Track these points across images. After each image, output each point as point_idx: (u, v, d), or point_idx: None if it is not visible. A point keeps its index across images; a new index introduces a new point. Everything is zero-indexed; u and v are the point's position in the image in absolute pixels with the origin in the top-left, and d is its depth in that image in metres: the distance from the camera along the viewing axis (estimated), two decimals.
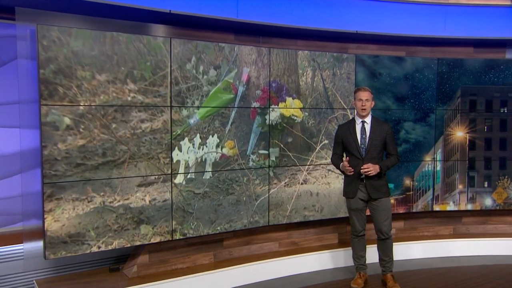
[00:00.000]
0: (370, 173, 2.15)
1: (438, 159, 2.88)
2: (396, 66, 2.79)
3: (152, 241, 2.17)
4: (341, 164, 2.23)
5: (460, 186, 2.91)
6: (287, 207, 2.58)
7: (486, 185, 2.92)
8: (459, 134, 2.89)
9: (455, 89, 2.88)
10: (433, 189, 2.90)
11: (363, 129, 2.23)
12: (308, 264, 2.58)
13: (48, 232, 1.93)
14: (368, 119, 2.25)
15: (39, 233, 2.00)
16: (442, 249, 2.85)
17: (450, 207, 2.90)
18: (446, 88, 2.86)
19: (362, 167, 2.15)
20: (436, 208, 2.91)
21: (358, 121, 2.25)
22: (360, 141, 2.22)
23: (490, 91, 2.89)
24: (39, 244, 2.02)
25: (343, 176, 2.37)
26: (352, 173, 2.18)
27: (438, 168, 2.88)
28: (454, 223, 3.00)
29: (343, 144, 2.27)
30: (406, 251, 2.79)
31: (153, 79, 2.11)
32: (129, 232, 2.10)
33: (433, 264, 2.72)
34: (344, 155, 2.32)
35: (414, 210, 2.89)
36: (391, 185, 2.72)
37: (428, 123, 2.87)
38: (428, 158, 2.88)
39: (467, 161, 2.90)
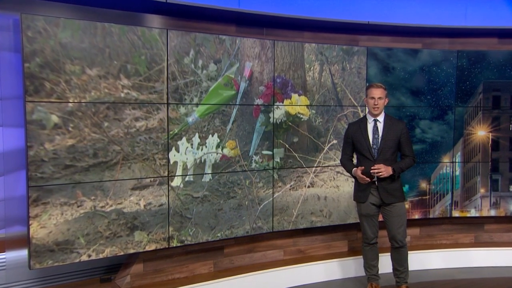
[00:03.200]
0: (381, 175, 2.07)
1: (457, 162, 2.79)
2: (411, 59, 2.72)
3: (147, 248, 2.12)
4: (353, 170, 2.16)
5: (482, 190, 2.81)
6: (292, 212, 2.52)
7: (511, 189, 2.79)
8: (481, 133, 2.80)
9: (476, 84, 2.79)
10: (452, 194, 2.81)
11: (375, 128, 2.16)
12: (315, 274, 2.53)
13: (33, 239, 1.87)
14: (381, 118, 2.18)
15: (24, 241, 1.94)
16: (462, 259, 2.77)
17: (471, 213, 2.81)
18: (466, 84, 2.78)
19: (372, 167, 2.06)
20: (455, 214, 2.82)
21: (370, 120, 2.19)
22: (372, 141, 2.15)
23: None
24: (24, 252, 1.97)
25: (353, 179, 2.27)
26: (366, 183, 2.10)
27: (457, 172, 2.79)
28: (476, 231, 2.92)
29: (354, 144, 2.20)
30: (422, 261, 2.72)
31: (148, 74, 2.07)
32: (122, 239, 2.05)
33: (453, 275, 2.64)
34: (355, 156, 2.22)
35: (431, 216, 2.81)
36: (405, 187, 2.62)
37: (447, 122, 2.78)
38: (446, 160, 2.80)
39: (490, 163, 2.81)
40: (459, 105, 2.77)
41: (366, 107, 2.24)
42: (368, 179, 2.07)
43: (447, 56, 2.73)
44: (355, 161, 2.26)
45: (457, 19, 2.77)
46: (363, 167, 2.10)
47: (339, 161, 2.38)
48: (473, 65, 2.75)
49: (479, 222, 2.89)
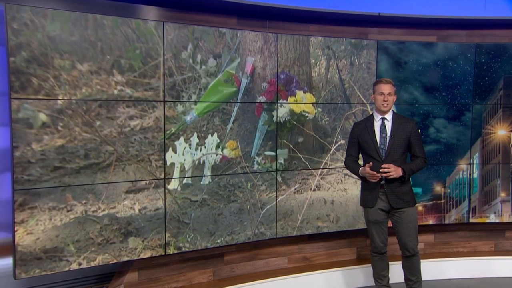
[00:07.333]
0: (390, 176, 1.99)
1: (475, 163, 2.71)
2: (425, 54, 2.65)
3: (142, 256, 2.07)
4: (360, 170, 2.09)
5: (503, 194, 2.72)
6: (297, 217, 2.46)
7: None
8: (501, 132, 2.72)
9: (496, 80, 2.71)
10: (469, 200, 2.73)
11: (383, 127, 2.10)
12: (321, 283, 2.47)
13: (19, 246, 1.83)
14: (389, 116, 2.12)
15: (8, 248, 1.89)
16: (481, 269, 2.68)
17: (491, 219, 2.72)
18: (485, 80, 2.69)
19: (382, 167, 2.00)
20: (473, 220, 2.75)
21: (377, 118, 2.13)
22: (380, 140, 2.09)
23: None
24: (8, 261, 1.91)
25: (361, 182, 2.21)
26: (377, 179, 2.01)
27: (475, 175, 2.70)
28: (496, 238, 2.83)
29: (360, 145, 2.14)
30: (437, 270, 2.64)
31: (143, 70, 2.02)
32: (115, 246, 1.99)
33: (471, 286, 2.56)
34: (361, 157, 2.17)
35: (446, 222, 2.74)
36: (418, 189, 2.54)
37: (463, 123, 2.71)
38: (462, 162, 2.72)
39: (511, 165, 2.71)
40: (477, 102, 2.69)
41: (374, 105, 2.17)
42: (378, 174, 2.00)
43: (464, 49, 2.65)
44: (361, 162, 2.19)
45: (475, 9, 2.69)
46: (370, 163, 2.02)
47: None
48: (492, 59, 2.66)
49: (499, 228, 2.80)
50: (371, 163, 2.04)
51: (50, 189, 1.84)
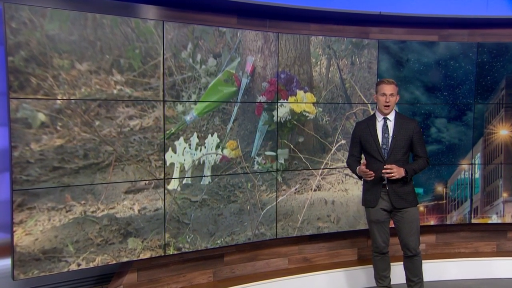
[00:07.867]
0: (393, 176, 1.98)
1: (477, 163, 2.70)
2: (426, 53, 2.64)
3: (142, 257, 2.06)
4: (357, 168, 2.08)
5: (505, 194, 2.71)
6: (297, 217, 2.45)
7: None
8: (503, 132, 2.71)
9: (498, 80, 2.70)
10: (471, 200, 2.72)
11: (385, 127, 2.10)
12: (322, 284, 2.46)
13: (17, 247, 1.82)
14: (391, 116, 2.11)
15: (7, 249, 1.88)
16: (482, 269, 2.67)
17: (493, 220, 2.71)
18: (487, 79, 2.68)
19: (384, 167, 1.99)
20: (475, 221, 2.74)
21: (380, 118, 2.12)
22: (382, 141, 2.08)
23: None
24: (7, 262, 1.91)
25: (362, 182, 2.20)
26: (372, 178, 2.00)
27: (477, 175, 2.69)
28: (498, 239, 2.82)
29: (361, 145, 2.14)
30: (439, 271, 2.63)
31: (143, 69, 2.01)
32: (114, 247, 1.98)
33: (472, 287, 2.55)
34: (363, 157, 2.16)
35: (448, 222, 2.73)
36: (420, 190, 2.53)
37: (465, 122, 2.70)
38: (464, 162, 2.71)
39: None
40: (479, 102, 2.68)
41: (376, 105, 2.16)
42: (371, 172, 1.99)
43: (466, 49, 2.65)
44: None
45: (477, 8, 2.68)
46: (364, 161, 2.03)
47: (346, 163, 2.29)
48: (494, 59, 2.66)
49: (501, 229, 2.79)
50: (364, 161, 2.05)
51: (49, 189, 1.84)
